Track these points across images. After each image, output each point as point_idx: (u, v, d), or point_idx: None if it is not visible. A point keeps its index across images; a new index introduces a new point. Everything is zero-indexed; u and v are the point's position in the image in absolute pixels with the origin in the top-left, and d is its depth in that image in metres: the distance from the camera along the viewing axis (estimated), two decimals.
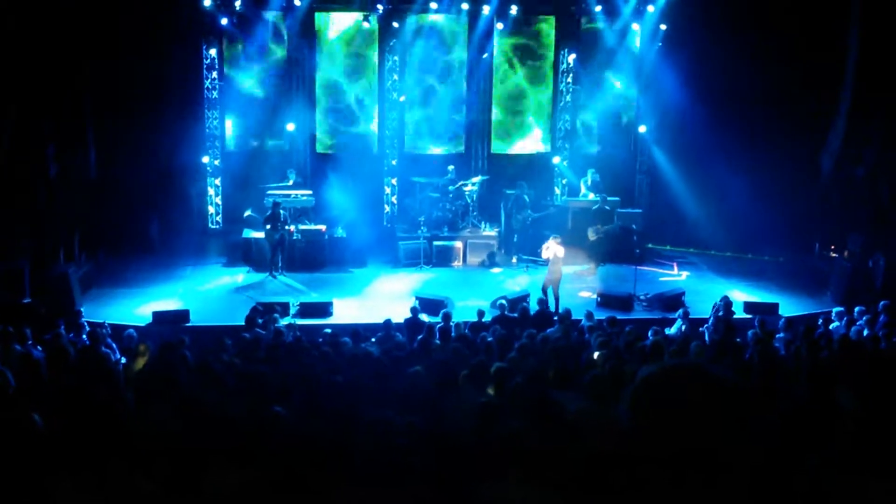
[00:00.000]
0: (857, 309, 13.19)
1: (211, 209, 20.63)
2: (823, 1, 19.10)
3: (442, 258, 18.72)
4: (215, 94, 20.21)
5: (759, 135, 19.79)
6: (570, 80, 21.26)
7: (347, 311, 15.28)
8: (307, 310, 15.02)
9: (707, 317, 13.92)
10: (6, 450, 4.97)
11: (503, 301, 13.86)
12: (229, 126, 20.87)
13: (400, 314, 13.55)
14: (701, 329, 13.34)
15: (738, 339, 11.52)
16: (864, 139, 19.03)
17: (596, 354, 9.56)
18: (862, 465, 4.47)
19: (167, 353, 9.66)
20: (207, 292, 16.70)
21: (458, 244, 18.92)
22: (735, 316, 13.91)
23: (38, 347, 10.56)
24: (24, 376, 7.93)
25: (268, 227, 17.40)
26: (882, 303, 13.11)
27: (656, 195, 21.22)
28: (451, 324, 12.27)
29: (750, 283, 17.52)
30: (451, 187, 19.64)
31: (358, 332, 11.67)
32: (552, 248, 15.55)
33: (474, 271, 18.54)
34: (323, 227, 18.62)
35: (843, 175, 19.42)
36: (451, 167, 20.06)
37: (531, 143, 22.17)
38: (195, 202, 20.51)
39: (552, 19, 21.50)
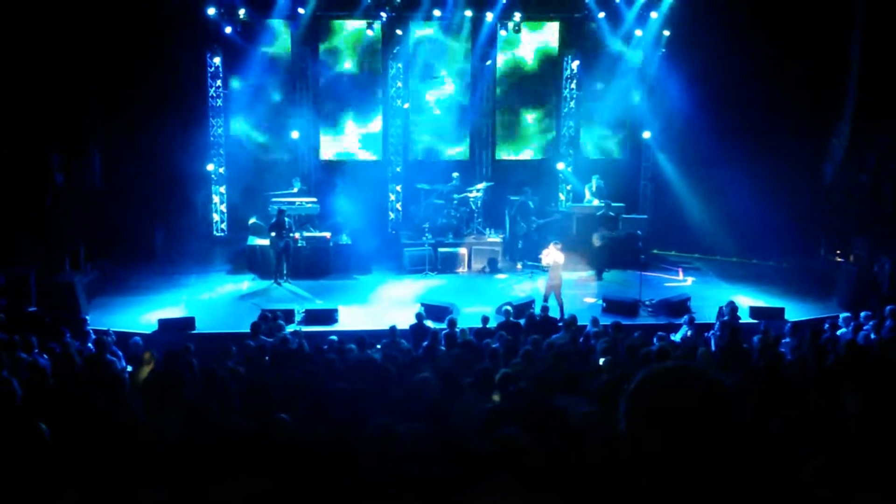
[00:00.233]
0: (863, 313, 13.15)
1: (216, 217, 20.66)
2: (826, 6, 19.08)
3: (447, 265, 18.72)
4: (220, 101, 20.26)
5: (763, 139, 19.76)
6: (573, 86, 21.27)
7: (353, 318, 15.27)
8: (312, 317, 15.02)
9: (712, 322, 13.89)
10: (13, 458, 4.98)
11: (508, 307, 13.86)
12: (234, 134, 20.89)
13: (405, 321, 13.54)
14: (707, 335, 13.30)
15: (745, 345, 11.51)
16: (869, 143, 19.01)
17: (601, 360, 9.56)
18: (866, 469, 4.45)
19: (172, 361, 9.68)
20: (212, 300, 16.72)
21: (463, 251, 18.92)
22: (741, 321, 13.88)
23: (45, 356, 10.58)
24: (31, 384, 7.94)
25: (273, 234, 17.41)
26: (888, 307, 13.07)
27: (661, 201, 21.19)
28: (457, 330, 12.26)
29: (755, 288, 17.47)
30: (455, 194, 19.64)
31: (363, 338, 11.66)
32: (552, 255, 15.58)
33: (479, 278, 18.53)
34: (328, 235, 18.62)
35: (847, 179, 19.40)
36: (455, 174, 20.07)
37: (535, 150, 22.18)
38: (200, 210, 20.55)
39: (556, 26, 21.53)
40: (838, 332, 12.81)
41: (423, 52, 21.02)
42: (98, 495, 4.60)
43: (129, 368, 10.86)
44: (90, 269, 17.10)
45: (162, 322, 14.54)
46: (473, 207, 19.65)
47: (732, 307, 13.79)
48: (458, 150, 21.84)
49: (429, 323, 13.39)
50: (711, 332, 13.45)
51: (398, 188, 21.05)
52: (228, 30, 19.64)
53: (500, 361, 9.68)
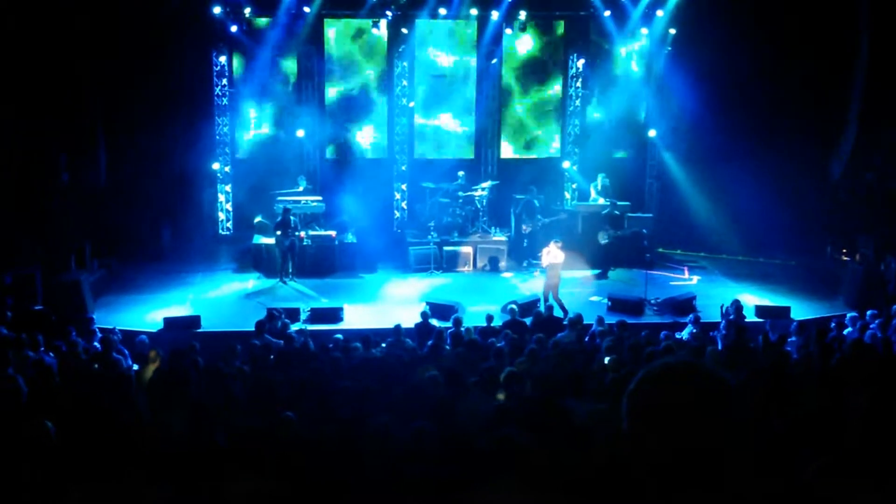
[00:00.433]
0: (869, 312, 13.12)
1: (221, 215, 20.68)
2: (832, 4, 19.03)
3: (452, 263, 18.72)
4: (225, 100, 20.28)
5: (769, 138, 19.72)
6: (579, 84, 21.25)
7: (358, 316, 15.28)
8: (318, 315, 15.03)
9: (718, 321, 13.87)
10: (19, 457, 4.99)
11: (514, 306, 13.86)
12: (239, 133, 20.92)
13: (410, 319, 13.55)
14: (712, 334, 13.28)
15: (751, 344, 11.49)
16: (876, 141, 18.96)
17: (607, 359, 9.55)
18: (869, 469, 4.44)
19: (178, 360, 9.70)
20: (218, 298, 16.75)
21: (468, 249, 18.92)
22: (746, 320, 13.85)
23: (50, 354, 10.61)
24: (37, 383, 7.96)
25: (278, 233, 17.43)
26: (895, 306, 13.04)
27: (667, 199, 21.15)
28: (462, 329, 12.26)
29: (761, 287, 17.44)
30: (460, 192, 19.64)
31: (368, 337, 11.67)
32: (552, 253, 15.61)
33: (484, 276, 18.53)
34: (333, 233, 18.64)
35: (854, 177, 19.35)
36: (461, 172, 20.05)
37: (541, 148, 22.18)
38: (206, 208, 20.57)
39: (561, 24, 21.50)
40: (844, 332, 12.79)
41: (429, 50, 20.98)
42: (103, 493, 4.61)
43: (135, 367, 10.88)
44: (96, 268, 17.15)
45: (167, 320, 14.56)
46: (479, 206, 19.64)
47: (738, 306, 13.77)
48: (463, 149, 21.78)
49: (434, 322, 13.40)
50: (717, 330, 13.45)
51: (403, 187, 21.05)
52: (234, 28, 19.66)
53: (506, 360, 9.68)
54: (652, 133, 21.34)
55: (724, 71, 19.27)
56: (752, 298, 16.17)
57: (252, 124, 21.00)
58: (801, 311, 15.56)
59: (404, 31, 20.37)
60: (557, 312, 14.34)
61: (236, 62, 20.48)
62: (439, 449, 5.17)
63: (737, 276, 18.52)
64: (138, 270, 18.05)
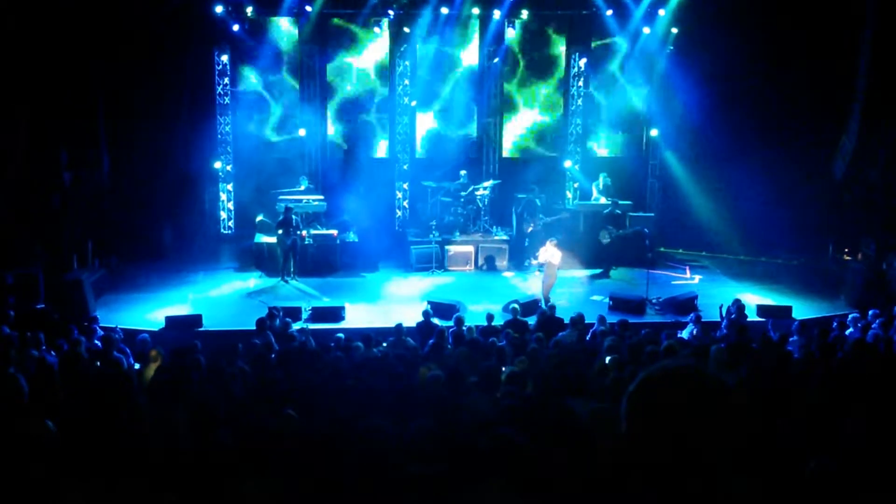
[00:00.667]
0: (871, 312, 13.11)
1: (223, 214, 20.69)
2: (835, 4, 18.99)
3: (453, 262, 18.73)
4: (227, 99, 20.28)
5: (771, 137, 19.70)
6: (581, 83, 21.23)
7: (359, 315, 15.30)
8: (319, 314, 15.04)
9: (719, 321, 13.85)
10: (20, 456, 5.00)
11: (515, 305, 13.86)
12: (241, 132, 20.91)
13: (412, 318, 13.56)
14: (716, 334, 13.26)
15: (753, 344, 11.47)
16: (878, 141, 18.92)
17: (608, 359, 9.54)
18: (870, 469, 4.44)
19: (180, 359, 9.70)
20: (219, 297, 16.76)
21: (470, 248, 18.92)
22: (748, 319, 13.84)
23: (52, 352, 10.62)
24: (39, 381, 7.96)
25: (280, 232, 17.44)
26: None
27: (668, 199, 21.15)
28: (464, 328, 12.26)
29: (763, 287, 17.43)
30: (462, 192, 19.64)
31: (370, 336, 11.67)
32: (549, 252, 15.63)
33: (486, 275, 18.54)
34: (335, 232, 18.65)
35: (856, 177, 19.32)
36: (463, 172, 20.06)
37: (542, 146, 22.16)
38: (207, 207, 20.59)
39: (563, 23, 21.46)
40: (846, 331, 12.77)
41: (431, 50, 20.97)
42: (105, 492, 4.61)
43: (137, 366, 10.88)
44: (98, 267, 17.16)
45: (169, 319, 14.58)
46: (480, 205, 19.64)
47: (739, 305, 13.76)
48: (465, 148, 21.77)
49: (436, 321, 13.39)
50: (719, 330, 13.43)
51: (405, 186, 21.05)
52: (236, 28, 19.66)
53: (507, 360, 9.68)
54: (654, 132, 21.33)
55: (725, 70, 19.26)
56: (753, 298, 16.17)
57: (254, 123, 20.96)
58: (803, 310, 15.56)
59: (406, 29, 20.36)
60: (562, 313, 14.33)
61: (238, 61, 20.46)
62: (439, 448, 5.17)
63: (738, 276, 18.52)
64: (140, 269, 18.06)
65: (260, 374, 8.84)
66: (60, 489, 4.66)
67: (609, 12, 20.31)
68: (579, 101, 21.32)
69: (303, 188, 19.52)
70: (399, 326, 12.38)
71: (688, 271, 18.97)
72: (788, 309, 15.34)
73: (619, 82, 21.50)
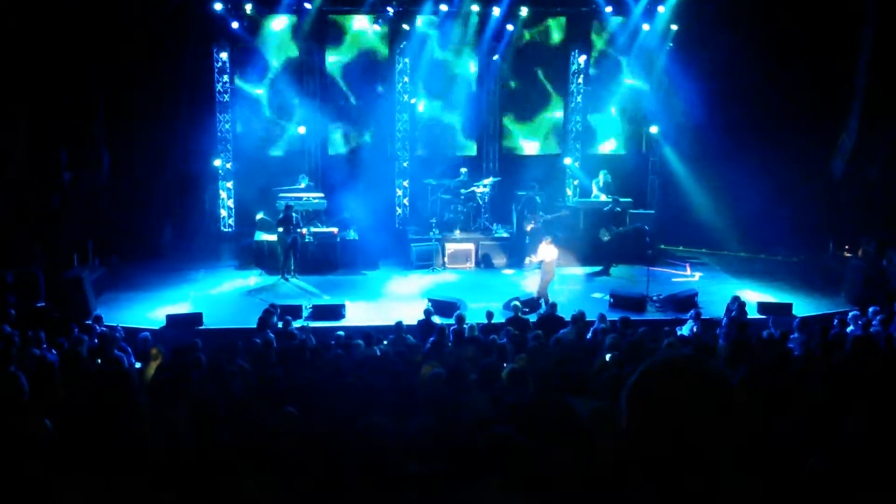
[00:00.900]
0: (871, 309, 13.11)
1: (223, 212, 20.67)
2: (836, 1, 18.98)
3: (454, 260, 18.73)
4: (227, 97, 20.26)
5: (771, 134, 19.69)
6: (580, 81, 21.22)
7: (360, 313, 15.30)
8: (319, 312, 15.04)
9: (720, 318, 13.85)
10: (18, 454, 5.00)
11: (517, 302, 13.86)
12: (241, 130, 20.90)
13: (412, 316, 13.56)
14: (717, 331, 13.25)
15: (753, 341, 11.47)
16: (878, 139, 18.92)
17: (608, 356, 9.54)
18: (870, 467, 4.44)
19: (180, 357, 9.70)
20: (220, 295, 16.76)
21: (470, 246, 18.92)
22: (749, 316, 13.84)
23: (53, 351, 10.62)
24: (39, 380, 7.97)
25: (280, 229, 17.44)
26: None
27: (668, 196, 21.13)
28: (465, 326, 12.26)
29: (764, 284, 17.43)
30: (462, 189, 19.63)
31: (370, 334, 11.67)
32: (545, 250, 15.65)
33: (486, 273, 18.54)
34: (335, 230, 18.64)
35: (856, 175, 19.31)
36: (463, 169, 20.04)
37: (543, 144, 22.16)
38: (207, 206, 20.58)
39: (563, 20, 21.46)
40: (846, 328, 12.76)
41: (431, 47, 20.94)
42: (104, 491, 4.61)
43: (138, 364, 10.89)
44: (98, 265, 17.16)
45: (170, 318, 14.58)
46: (480, 203, 19.63)
47: (739, 303, 13.76)
48: (465, 146, 21.78)
49: (436, 318, 13.39)
50: (720, 327, 13.42)
51: (405, 183, 21.03)
52: (235, 25, 19.64)
53: (508, 357, 9.68)
54: (654, 129, 21.32)
55: (725, 67, 19.24)
56: (754, 295, 16.17)
57: (254, 121, 20.95)
58: (804, 307, 15.56)
59: (405, 27, 20.34)
60: (563, 310, 14.33)
61: (237, 59, 20.43)
62: (438, 447, 5.17)
63: (739, 273, 18.51)
64: (140, 267, 18.06)
65: (260, 372, 8.84)
66: (59, 488, 4.66)
67: (609, 9, 20.30)
68: (579, 99, 21.30)
69: (303, 186, 19.51)
70: (399, 324, 12.39)
71: (688, 268, 18.97)
72: (789, 306, 15.34)
73: (618, 79, 21.46)
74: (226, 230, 20.64)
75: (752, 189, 18.69)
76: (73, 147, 17.94)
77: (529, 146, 22.14)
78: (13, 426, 5.47)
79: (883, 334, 11.73)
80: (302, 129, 20.69)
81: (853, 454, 4.86)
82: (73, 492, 4.60)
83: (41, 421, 5.27)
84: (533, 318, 13.87)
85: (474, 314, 14.19)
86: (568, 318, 12.90)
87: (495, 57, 21.06)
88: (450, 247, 18.75)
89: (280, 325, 12.81)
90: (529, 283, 17.03)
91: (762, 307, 15.34)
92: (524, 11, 20.40)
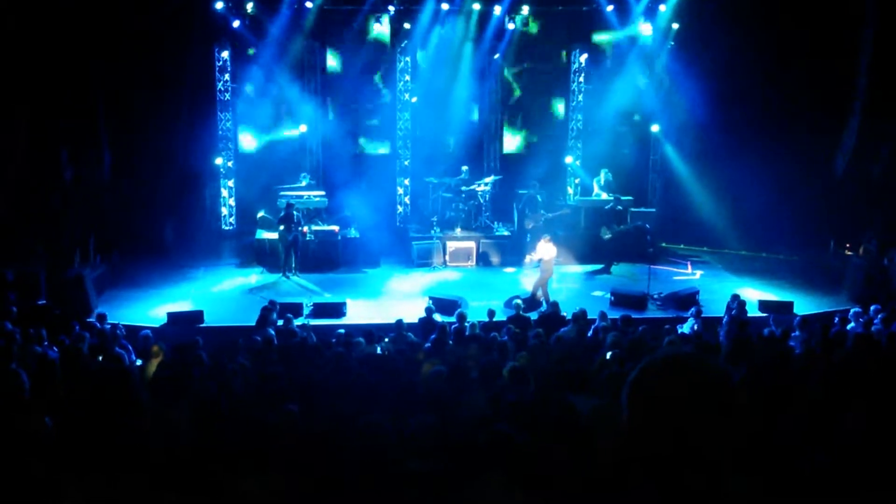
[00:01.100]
0: (872, 307, 13.10)
1: (224, 210, 20.69)
2: (837, 1, 18.95)
3: (455, 258, 18.72)
4: (228, 96, 20.26)
5: (772, 132, 19.65)
6: (581, 79, 21.20)
7: (361, 311, 15.30)
8: (321, 310, 15.05)
9: (721, 316, 13.85)
10: (19, 451, 5.00)
11: (518, 301, 13.86)
12: (242, 128, 20.90)
13: (413, 314, 13.56)
14: (718, 329, 13.26)
15: (754, 340, 11.47)
16: (880, 137, 18.90)
17: (608, 354, 9.54)
18: (871, 465, 4.44)
19: (181, 355, 9.70)
20: (221, 293, 16.77)
21: (471, 244, 18.91)
22: (750, 315, 13.84)
23: (54, 348, 10.63)
24: (40, 377, 7.97)
25: (281, 227, 17.45)
26: None
27: (669, 194, 21.12)
28: (466, 324, 12.27)
29: (764, 282, 17.43)
30: (463, 187, 19.63)
31: (371, 332, 11.68)
32: (543, 248, 15.66)
33: (487, 271, 18.53)
34: (336, 228, 18.65)
35: (858, 173, 19.29)
36: (464, 167, 20.04)
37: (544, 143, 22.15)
38: (209, 204, 20.60)
39: (564, 18, 21.41)
40: (847, 327, 12.76)
41: (432, 46, 20.93)
42: (105, 488, 4.62)
43: (139, 362, 10.89)
44: (99, 263, 17.16)
45: (171, 315, 14.59)
46: (481, 201, 19.63)
47: (740, 301, 13.76)
48: (466, 144, 21.75)
49: (437, 316, 13.40)
50: (721, 325, 13.42)
51: (406, 181, 21.03)
52: (236, 24, 19.64)
53: (509, 355, 9.68)
54: (655, 128, 21.30)
55: (726, 66, 19.21)
56: (755, 293, 16.17)
57: (255, 119, 20.95)
58: (805, 306, 15.56)
59: (406, 26, 20.34)
60: (564, 309, 14.33)
61: (238, 57, 20.43)
62: (438, 444, 5.17)
63: (740, 271, 18.51)
64: (141, 265, 18.04)
65: (261, 370, 8.84)
66: (60, 485, 4.66)
67: (610, 8, 20.29)
68: (580, 97, 21.29)
69: (304, 184, 19.52)
70: (400, 322, 12.39)
71: (689, 267, 18.97)
72: (790, 304, 15.34)
73: (619, 78, 21.44)
74: (227, 228, 20.66)
75: (753, 187, 18.68)
76: (74, 146, 17.93)
77: (530, 144, 22.12)
78: (14, 423, 5.47)
79: (884, 332, 11.73)
80: (303, 128, 20.69)
81: (854, 452, 4.86)
82: (74, 489, 4.60)
83: (42, 418, 5.27)
84: (534, 315, 13.87)
85: (475, 312, 14.19)
86: (569, 317, 12.91)
87: (496, 55, 21.05)
88: (451, 245, 18.75)
89: (280, 322, 12.81)
90: (530, 282, 17.03)
91: (763, 305, 15.34)
92: (525, 10, 20.38)
